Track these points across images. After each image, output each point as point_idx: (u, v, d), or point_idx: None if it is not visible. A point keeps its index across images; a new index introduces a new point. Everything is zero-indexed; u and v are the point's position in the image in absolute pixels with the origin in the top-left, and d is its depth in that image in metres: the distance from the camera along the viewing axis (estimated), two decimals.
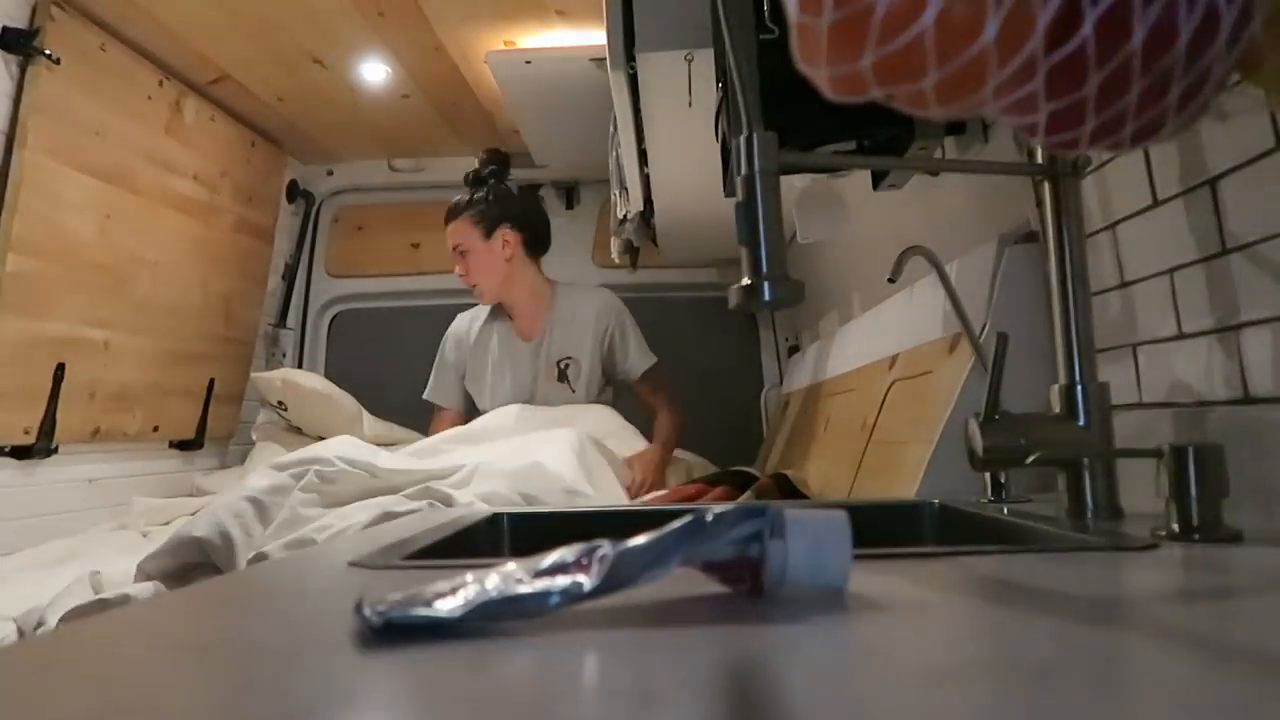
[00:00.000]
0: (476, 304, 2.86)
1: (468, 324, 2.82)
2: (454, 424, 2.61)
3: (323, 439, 2.75)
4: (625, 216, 2.48)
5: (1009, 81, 0.47)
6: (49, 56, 1.93)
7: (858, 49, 0.48)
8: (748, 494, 1.62)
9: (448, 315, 3.32)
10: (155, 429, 2.59)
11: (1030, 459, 0.79)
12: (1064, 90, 0.48)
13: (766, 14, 1.06)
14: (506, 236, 2.56)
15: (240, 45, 2.29)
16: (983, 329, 1.15)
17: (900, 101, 0.51)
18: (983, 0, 0.45)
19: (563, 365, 2.60)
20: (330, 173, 3.28)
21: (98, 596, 1.32)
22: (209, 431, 2.83)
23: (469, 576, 0.43)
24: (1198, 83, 0.48)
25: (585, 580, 0.41)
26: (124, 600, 1.30)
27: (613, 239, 2.69)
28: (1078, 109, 0.48)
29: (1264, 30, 0.48)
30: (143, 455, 2.58)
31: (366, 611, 0.40)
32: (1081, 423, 0.82)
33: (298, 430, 2.94)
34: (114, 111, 2.18)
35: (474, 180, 2.63)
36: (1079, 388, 0.83)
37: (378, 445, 2.04)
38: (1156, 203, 0.91)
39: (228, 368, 2.91)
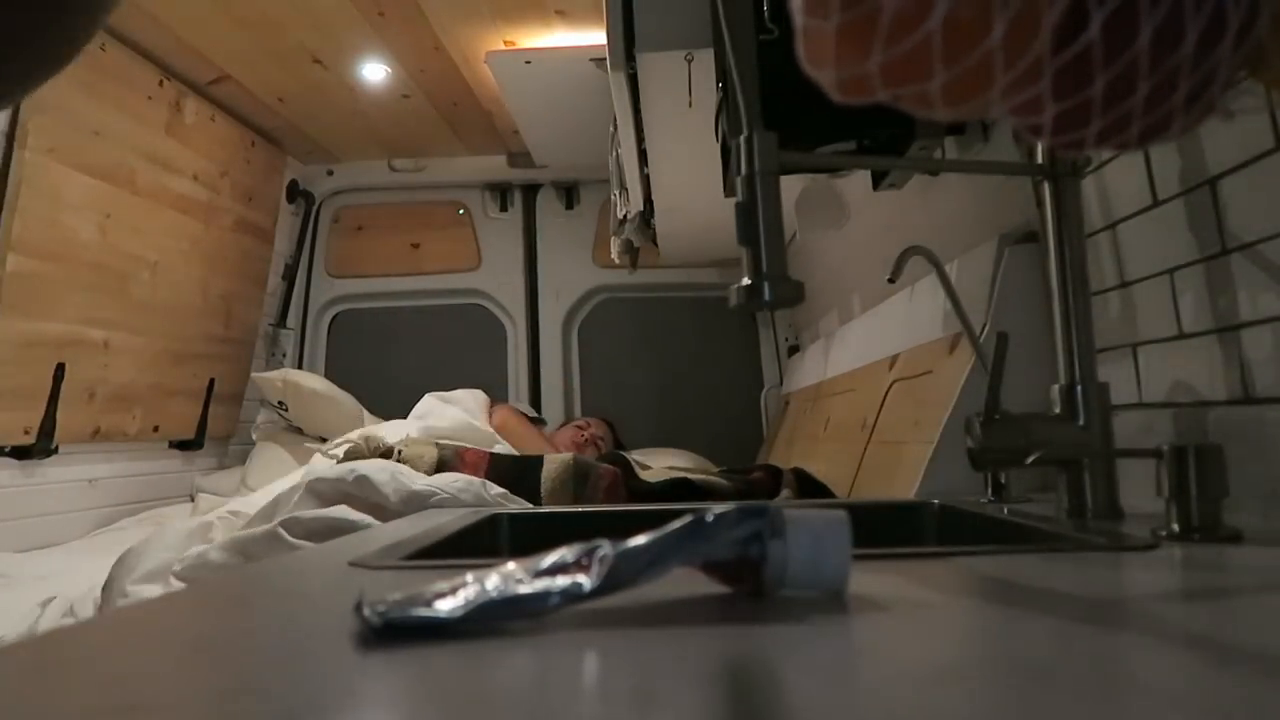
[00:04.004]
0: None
1: None
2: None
3: (324, 439, 2.75)
4: (625, 216, 2.48)
5: (1016, 83, 0.47)
6: None
7: (865, 51, 0.48)
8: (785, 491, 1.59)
9: (448, 315, 3.33)
10: (155, 429, 2.59)
11: (1030, 459, 0.79)
12: (1070, 91, 0.48)
13: (766, 14, 1.06)
14: None
15: (240, 45, 2.29)
16: (983, 329, 1.15)
17: (907, 103, 0.51)
18: (989, 2, 0.45)
19: None
20: (330, 173, 3.28)
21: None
22: (209, 431, 2.83)
23: (469, 576, 0.43)
24: (1204, 82, 0.48)
25: (585, 580, 0.41)
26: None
27: (613, 239, 2.69)
28: (1084, 109, 0.48)
29: (1270, 29, 0.48)
30: (143, 455, 2.58)
31: (366, 611, 0.40)
32: (1081, 423, 0.82)
33: (298, 430, 2.94)
34: (114, 111, 2.18)
35: None
36: (1079, 388, 0.83)
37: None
38: (1156, 203, 0.91)
39: (228, 368, 2.91)
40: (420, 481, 1.45)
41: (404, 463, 1.62)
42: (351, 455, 1.71)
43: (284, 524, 1.38)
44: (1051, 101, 0.48)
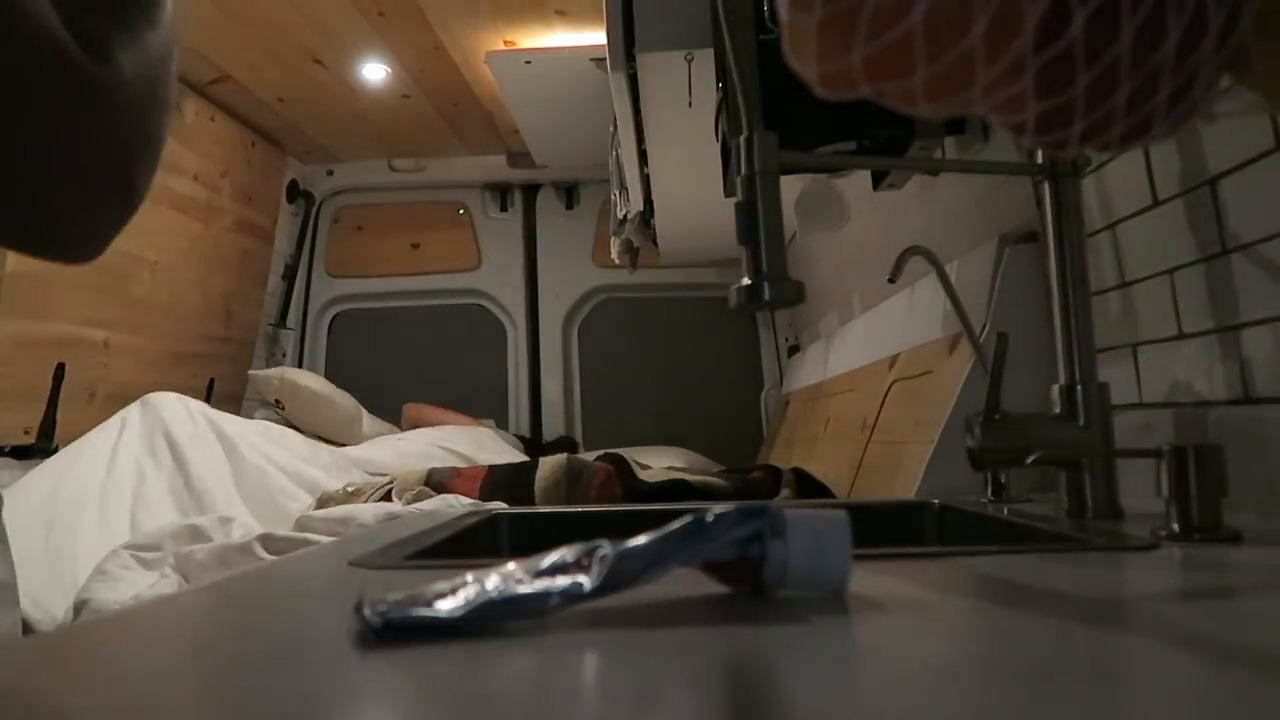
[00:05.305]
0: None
1: None
2: None
3: (322, 439, 2.75)
4: (625, 216, 2.48)
5: (997, 80, 0.47)
6: None
7: (847, 46, 0.48)
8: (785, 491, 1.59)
9: (448, 315, 3.33)
10: None
11: (1030, 459, 0.79)
12: (1052, 90, 0.48)
13: (766, 14, 1.06)
14: None
15: (240, 45, 2.29)
16: (983, 329, 1.15)
17: (889, 99, 0.51)
18: None
19: None
20: (330, 173, 3.28)
21: None
22: None
23: (469, 576, 0.43)
24: (1186, 84, 0.48)
25: (585, 580, 0.41)
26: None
27: (613, 239, 2.69)
28: (1066, 109, 0.48)
29: (1252, 31, 0.48)
30: None
31: (366, 611, 0.39)
32: (1081, 423, 0.82)
33: (295, 429, 2.94)
34: None
35: None
36: (1079, 388, 0.83)
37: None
38: (1156, 203, 0.91)
39: (228, 368, 2.91)
40: (396, 506, 1.51)
41: (395, 487, 1.65)
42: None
43: (260, 539, 1.43)
44: (1034, 100, 0.48)
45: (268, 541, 1.43)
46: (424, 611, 0.40)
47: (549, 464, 1.62)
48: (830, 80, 0.50)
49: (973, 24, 0.45)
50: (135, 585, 1.43)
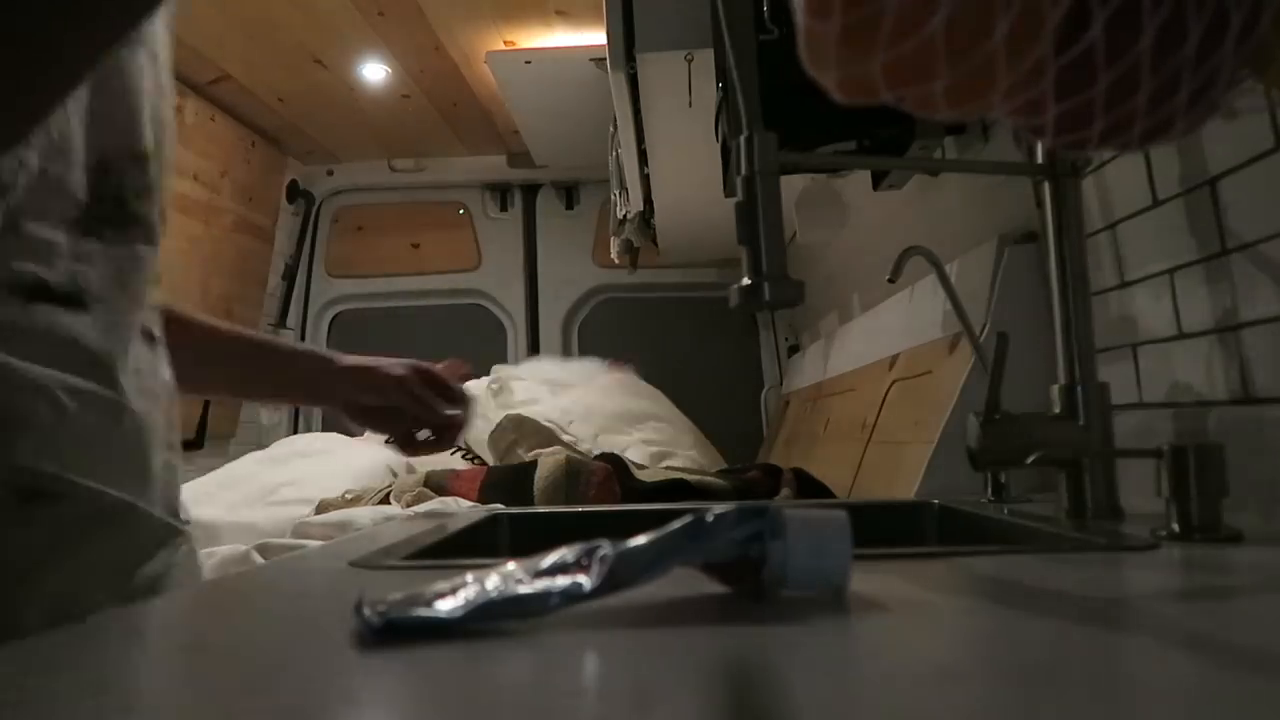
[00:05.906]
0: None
1: None
2: None
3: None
4: (625, 216, 2.48)
5: (1019, 83, 0.47)
6: None
7: (867, 53, 0.47)
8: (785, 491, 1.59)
9: (448, 315, 3.33)
10: None
11: (1030, 459, 0.79)
12: (1073, 91, 0.48)
13: (766, 14, 1.06)
14: None
15: (240, 45, 2.29)
16: (983, 329, 1.15)
17: (910, 104, 0.51)
18: (992, 2, 0.45)
19: None
20: (330, 173, 3.28)
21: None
22: (209, 431, 2.82)
23: (469, 576, 0.43)
24: (1207, 82, 0.48)
25: (585, 580, 0.41)
26: None
27: (613, 239, 2.69)
28: (1087, 110, 0.48)
29: (1273, 29, 0.48)
30: None
31: (366, 611, 0.39)
32: (1081, 423, 0.82)
33: None
34: None
35: None
36: (1079, 388, 0.83)
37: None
38: (1156, 203, 0.91)
39: None
40: (395, 509, 1.51)
41: (394, 490, 1.65)
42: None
43: (257, 547, 1.43)
44: (1054, 102, 0.48)
45: (265, 550, 1.43)
46: (424, 611, 0.40)
47: (548, 464, 1.62)
48: (850, 87, 0.50)
49: (993, 28, 0.45)
50: None
